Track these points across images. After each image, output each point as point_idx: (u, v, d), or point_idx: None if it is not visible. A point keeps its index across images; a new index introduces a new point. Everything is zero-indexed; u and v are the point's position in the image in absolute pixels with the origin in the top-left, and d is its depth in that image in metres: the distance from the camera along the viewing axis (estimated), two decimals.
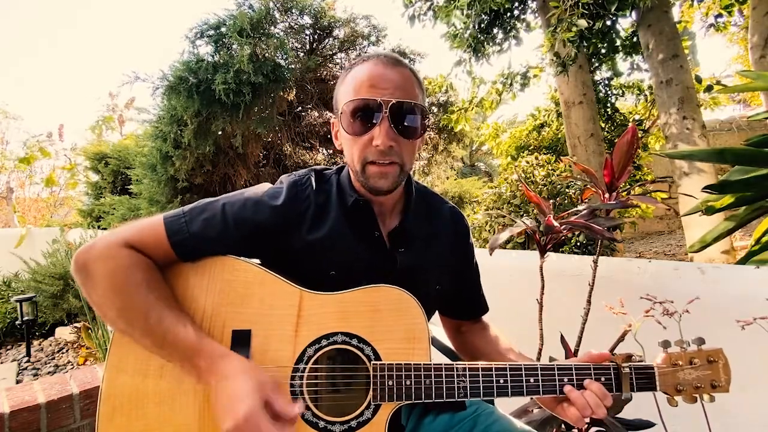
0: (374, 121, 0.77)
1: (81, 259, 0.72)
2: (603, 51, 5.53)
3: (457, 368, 0.75)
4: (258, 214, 0.80)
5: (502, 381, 0.75)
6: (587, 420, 0.79)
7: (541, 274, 1.25)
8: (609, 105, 6.25)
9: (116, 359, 0.74)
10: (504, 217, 2.94)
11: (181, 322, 0.70)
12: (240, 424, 0.62)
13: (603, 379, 0.76)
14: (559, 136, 6.31)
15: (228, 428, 0.63)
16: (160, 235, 0.75)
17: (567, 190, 3.11)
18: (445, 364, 0.75)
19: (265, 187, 0.86)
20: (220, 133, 4.01)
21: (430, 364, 0.75)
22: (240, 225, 0.79)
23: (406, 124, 0.79)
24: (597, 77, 6.11)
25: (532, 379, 0.75)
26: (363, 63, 0.81)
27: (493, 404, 0.97)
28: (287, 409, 0.66)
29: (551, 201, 3.03)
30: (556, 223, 1.18)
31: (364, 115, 0.77)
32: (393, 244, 0.88)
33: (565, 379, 0.76)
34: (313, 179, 0.88)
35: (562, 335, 1.16)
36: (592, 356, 0.78)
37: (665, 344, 0.77)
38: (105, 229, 5.14)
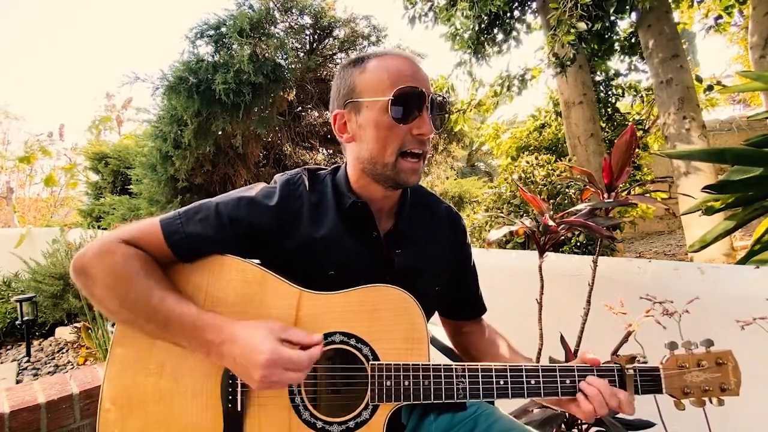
0: (419, 112, 0.78)
1: (79, 263, 0.73)
2: (603, 51, 5.53)
3: (456, 369, 0.75)
4: (252, 214, 0.80)
5: (502, 382, 0.74)
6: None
7: (540, 274, 1.25)
8: (609, 105, 6.26)
9: (117, 359, 0.74)
10: (503, 217, 2.94)
11: (183, 301, 0.71)
12: (267, 370, 0.64)
13: (607, 381, 0.74)
14: (559, 136, 6.31)
15: (258, 379, 0.65)
16: (157, 237, 0.76)
17: (567, 190, 3.11)
18: (444, 365, 0.75)
19: (258, 186, 0.86)
20: (220, 133, 4.01)
21: (429, 365, 0.75)
22: (234, 224, 0.79)
23: (439, 116, 0.82)
24: (597, 77, 6.12)
25: (533, 381, 0.75)
26: (391, 56, 0.81)
27: (494, 404, 0.97)
28: (306, 337, 0.69)
29: (551, 201, 3.02)
30: (552, 223, 1.18)
31: (411, 103, 0.77)
32: (389, 246, 0.87)
33: (567, 381, 0.75)
34: (305, 178, 0.88)
35: (562, 335, 1.16)
36: (584, 359, 0.77)
37: (672, 346, 0.75)
38: (105, 229, 5.14)
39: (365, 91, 0.80)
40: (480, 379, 0.75)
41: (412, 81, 0.78)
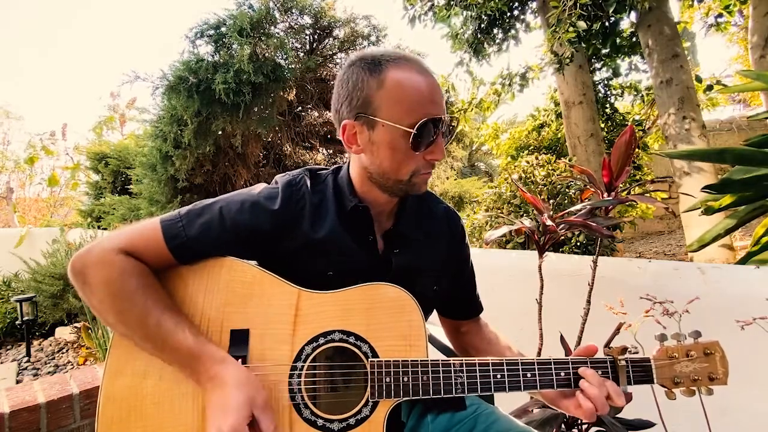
0: (435, 137, 0.78)
1: (78, 265, 0.73)
2: (603, 51, 5.54)
3: (454, 364, 0.75)
4: (255, 218, 0.80)
5: (499, 376, 0.75)
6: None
7: (540, 274, 1.25)
8: (608, 105, 6.26)
9: (116, 361, 0.74)
10: (503, 217, 2.94)
11: (179, 326, 0.71)
12: None
13: (600, 372, 0.76)
14: (559, 136, 6.31)
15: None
16: (158, 240, 0.76)
17: (567, 190, 3.11)
18: (442, 360, 0.75)
19: (260, 187, 0.86)
20: (220, 133, 4.01)
21: (428, 361, 0.75)
22: (237, 228, 0.79)
23: (449, 135, 0.83)
24: (596, 77, 6.12)
25: (528, 374, 0.75)
26: (409, 70, 0.77)
27: (494, 404, 0.97)
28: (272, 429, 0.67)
29: (551, 201, 3.02)
30: (550, 222, 1.18)
31: (430, 132, 0.77)
32: (387, 246, 0.88)
33: (562, 374, 0.76)
34: (307, 179, 0.87)
35: (561, 335, 1.16)
36: (578, 351, 0.78)
37: (662, 337, 0.78)
38: (105, 229, 5.14)
39: (383, 111, 0.77)
40: (477, 374, 0.75)
41: (432, 107, 0.76)
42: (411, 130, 0.75)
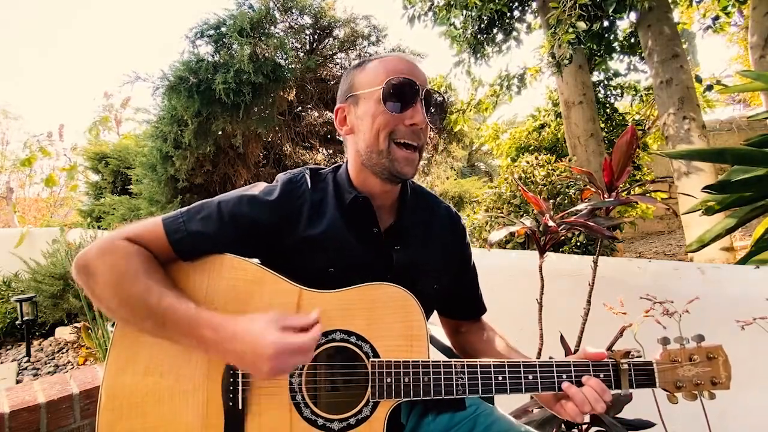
0: (412, 102, 0.81)
1: (81, 261, 0.73)
2: (601, 52, 5.54)
3: (455, 365, 0.75)
4: (253, 211, 0.81)
5: (500, 378, 0.75)
6: (587, 418, 0.78)
7: (541, 274, 1.25)
8: (608, 105, 6.27)
9: (116, 359, 0.74)
10: (503, 217, 2.94)
11: (181, 300, 0.71)
12: (275, 360, 0.64)
13: (602, 375, 0.76)
14: (559, 136, 6.31)
15: (268, 370, 0.65)
16: (159, 236, 0.77)
17: (567, 190, 3.11)
18: (443, 361, 0.75)
19: (261, 185, 0.87)
20: (220, 133, 4.01)
21: (429, 362, 0.75)
22: (236, 221, 0.80)
23: (434, 111, 0.84)
24: (595, 78, 6.13)
25: (530, 376, 0.75)
26: (391, 56, 0.85)
27: (493, 404, 0.97)
28: (304, 320, 0.69)
29: (551, 201, 3.02)
30: (552, 223, 1.18)
31: (404, 93, 0.80)
32: (389, 242, 0.88)
33: (564, 376, 0.76)
34: (308, 177, 0.89)
35: (561, 335, 1.16)
36: (587, 354, 0.78)
37: (664, 341, 0.77)
38: (105, 229, 5.14)
39: (362, 85, 0.84)
40: (479, 375, 0.75)
41: (407, 74, 0.81)
42: (382, 86, 0.79)
